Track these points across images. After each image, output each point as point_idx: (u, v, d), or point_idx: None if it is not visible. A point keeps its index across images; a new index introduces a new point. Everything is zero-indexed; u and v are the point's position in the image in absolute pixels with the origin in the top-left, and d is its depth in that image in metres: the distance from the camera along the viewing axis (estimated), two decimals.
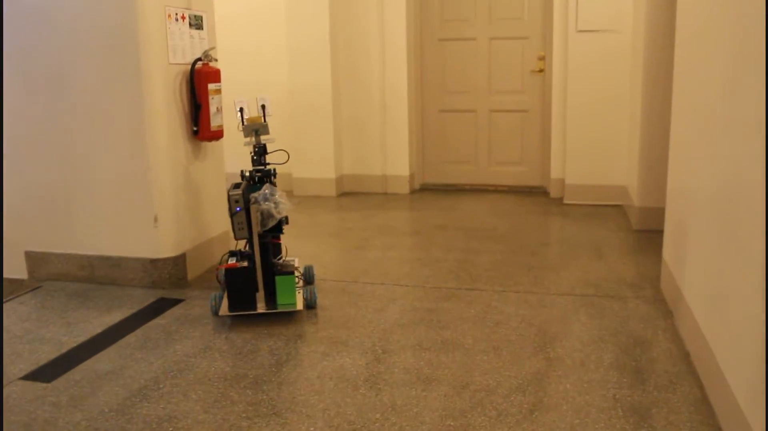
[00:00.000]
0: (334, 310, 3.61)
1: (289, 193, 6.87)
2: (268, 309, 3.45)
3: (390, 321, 3.47)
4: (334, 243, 5.14)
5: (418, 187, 6.96)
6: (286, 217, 3.51)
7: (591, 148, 5.95)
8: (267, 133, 3.61)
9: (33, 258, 4.29)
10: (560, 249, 4.82)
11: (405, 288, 4.00)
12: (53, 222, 4.20)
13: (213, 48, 4.28)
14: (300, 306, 3.49)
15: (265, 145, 3.62)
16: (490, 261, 4.46)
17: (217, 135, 4.25)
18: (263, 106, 3.82)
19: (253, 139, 3.56)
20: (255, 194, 3.35)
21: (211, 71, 4.13)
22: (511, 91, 6.57)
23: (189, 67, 4.10)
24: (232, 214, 3.36)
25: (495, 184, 6.77)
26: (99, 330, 3.47)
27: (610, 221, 5.44)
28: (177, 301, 3.87)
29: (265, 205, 3.34)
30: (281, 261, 3.73)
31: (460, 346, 3.15)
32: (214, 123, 4.18)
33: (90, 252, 4.17)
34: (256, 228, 3.35)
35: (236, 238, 3.46)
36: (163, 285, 4.11)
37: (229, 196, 3.39)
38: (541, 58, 6.38)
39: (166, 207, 4.08)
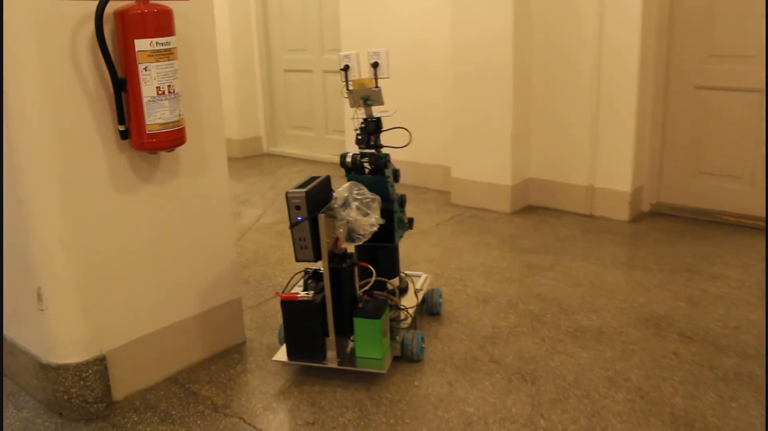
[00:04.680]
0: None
1: (443, 201, 4.58)
2: (343, 364, 2.42)
3: None
4: (458, 332, 2.82)
5: (647, 211, 4.21)
6: (410, 221, 2.76)
7: None
8: (380, 102, 2.62)
9: None
10: None
11: None
12: None
13: None
14: (386, 366, 2.41)
15: (378, 120, 2.64)
16: None
17: (169, 140, 2.16)
18: (375, 64, 2.64)
19: (362, 110, 2.62)
20: (334, 194, 2.40)
21: (146, 12, 2.05)
22: None
23: (97, 4, 2.04)
24: (292, 225, 2.31)
25: None
26: None
27: None
28: None
29: (347, 213, 2.36)
30: (400, 277, 2.78)
31: None
32: (154, 117, 2.09)
33: None
34: (327, 247, 2.32)
35: (297, 260, 2.37)
36: (62, 408, 2.26)
37: (287, 198, 2.30)
38: None
39: (61, 275, 2.18)
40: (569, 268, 3.39)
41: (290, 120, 6.37)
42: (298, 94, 6.19)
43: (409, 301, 2.74)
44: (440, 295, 2.94)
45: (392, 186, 2.65)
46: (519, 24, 4.05)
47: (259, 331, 2.85)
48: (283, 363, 2.54)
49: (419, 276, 2.96)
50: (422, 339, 2.55)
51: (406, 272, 2.92)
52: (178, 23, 2.26)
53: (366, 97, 2.60)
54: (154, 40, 2.06)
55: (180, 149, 2.38)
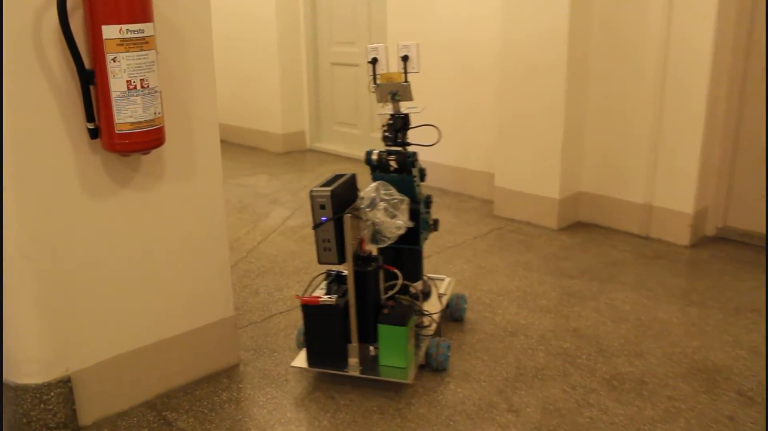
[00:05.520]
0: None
1: (485, 212, 4.23)
2: (365, 373, 2.27)
3: None
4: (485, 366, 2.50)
5: (712, 235, 3.75)
6: (435, 222, 2.61)
7: None
8: (409, 97, 2.46)
9: None
10: None
11: None
12: None
13: None
14: (411, 376, 2.26)
15: (406, 116, 2.49)
16: None
17: (142, 141, 1.90)
18: (405, 58, 2.44)
19: (389, 105, 2.48)
20: (361, 194, 2.29)
21: None
22: None
23: None
24: (315, 225, 2.19)
25: None
26: None
27: None
28: None
29: (373, 214, 2.23)
30: (423, 281, 2.66)
31: None
32: (124, 115, 1.83)
33: None
34: (351, 249, 2.18)
35: (320, 262, 2.24)
36: None
37: (311, 197, 2.18)
38: None
39: (19, 288, 1.98)
40: (615, 299, 2.99)
41: (335, 115, 6.09)
42: (344, 88, 5.90)
43: (433, 306, 2.62)
44: (465, 301, 2.80)
45: (418, 186, 2.51)
46: (576, 18, 3.64)
47: (256, 353, 2.58)
48: (302, 369, 2.41)
49: (442, 279, 2.86)
50: (448, 348, 2.42)
51: (429, 275, 2.79)
52: (165, 8, 1.99)
53: (394, 92, 2.45)
54: (125, 26, 1.79)
55: (165, 150, 2.11)
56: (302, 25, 6.03)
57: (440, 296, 2.68)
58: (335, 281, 2.34)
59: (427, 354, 2.38)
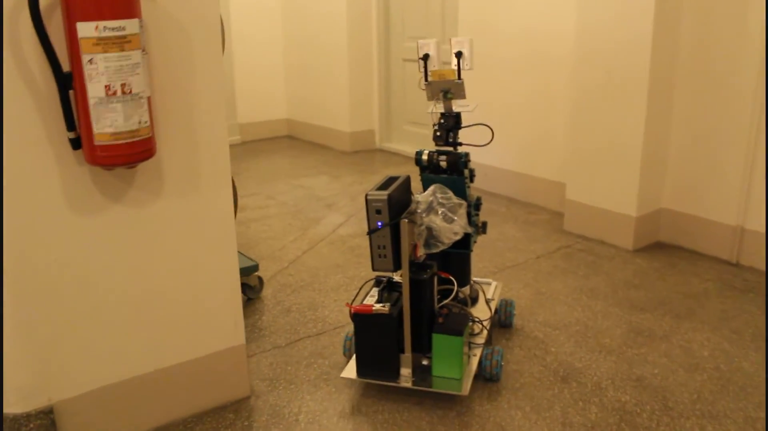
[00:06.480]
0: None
1: (555, 226, 3.85)
2: (417, 384, 2.17)
3: None
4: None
5: None
6: (484, 225, 2.52)
7: None
8: (462, 95, 2.37)
9: None
10: None
11: None
12: None
13: None
14: (466, 388, 2.14)
15: (457, 115, 2.41)
16: None
17: (125, 154, 1.68)
18: (459, 54, 2.36)
19: (440, 104, 2.38)
20: (417, 197, 2.20)
21: None
22: None
23: None
24: (371, 231, 2.08)
25: None
26: None
27: None
28: None
29: (430, 219, 2.15)
30: (468, 287, 2.56)
31: None
32: (103, 125, 1.62)
33: None
34: (407, 256, 2.10)
35: (374, 269, 2.13)
36: None
37: (367, 202, 2.07)
38: None
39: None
40: (691, 341, 2.57)
41: (406, 114, 5.81)
42: (417, 85, 5.60)
43: (482, 312, 2.53)
44: (513, 306, 2.70)
45: (469, 187, 2.44)
46: (662, 21, 3.19)
47: (272, 383, 2.34)
48: (350, 380, 2.33)
49: (489, 284, 2.76)
50: (502, 356, 2.31)
51: (475, 279, 2.73)
52: (170, 4, 1.77)
53: (446, 89, 2.36)
54: (101, 23, 1.56)
55: (163, 162, 1.90)
56: (374, 19, 5.77)
57: (488, 301, 2.58)
58: (386, 288, 2.26)
59: (480, 364, 2.29)
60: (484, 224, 2.55)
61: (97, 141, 1.65)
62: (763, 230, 3.16)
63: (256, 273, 2.98)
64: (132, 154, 1.69)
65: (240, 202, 4.48)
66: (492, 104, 4.39)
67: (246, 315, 2.84)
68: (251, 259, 2.96)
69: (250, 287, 2.97)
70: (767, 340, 2.56)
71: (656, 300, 2.93)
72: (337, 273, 3.28)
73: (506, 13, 4.21)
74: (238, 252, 3.02)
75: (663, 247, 3.54)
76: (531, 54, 4.11)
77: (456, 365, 2.17)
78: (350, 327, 2.71)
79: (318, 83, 6.17)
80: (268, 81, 6.50)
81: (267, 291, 3.07)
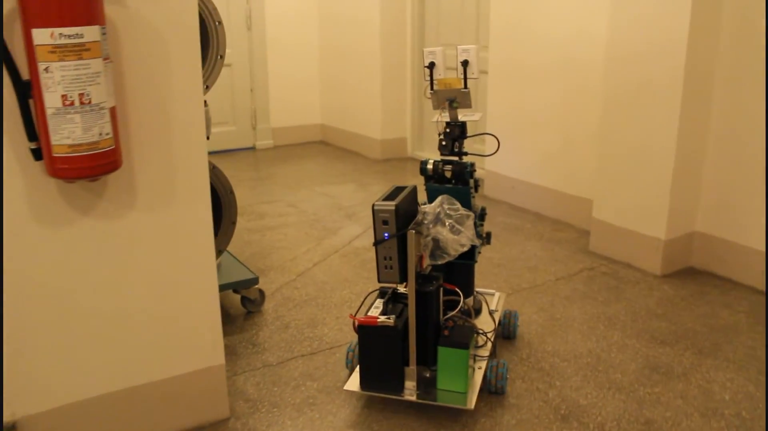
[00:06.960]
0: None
1: (580, 246, 3.66)
2: (422, 398, 2.12)
3: None
4: None
5: None
6: (488, 235, 2.48)
7: None
8: (468, 104, 2.35)
9: None
10: None
11: None
12: None
13: None
14: (472, 402, 2.09)
15: (463, 124, 2.38)
16: None
17: (85, 167, 1.60)
18: (465, 63, 2.33)
19: (446, 113, 2.37)
20: (424, 208, 2.18)
21: None
22: None
23: None
24: (377, 242, 2.06)
25: None
26: None
27: None
28: None
29: (437, 230, 2.13)
30: (472, 298, 2.51)
31: None
32: (60, 136, 1.55)
33: None
34: (413, 268, 2.07)
35: (380, 281, 2.10)
36: None
37: (374, 212, 2.04)
38: None
39: None
40: (712, 381, 2.36)
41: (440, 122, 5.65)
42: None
43: (486, 324, 2.49)
44: (517, 318, 2.68)
45: (473, 197, 2.41)
46: (698, 26, 2.98)
47: (255, 405, 2.23)
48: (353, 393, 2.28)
49: (492, 294, 2.72)
50: (507, 369, 2.30)
51: (478, 290, 2.68)
52: (144, 9, 1.69)
53: (452, 98, 2.35)
54: (57, 30, 1.48)
55: (136, 173, 1.82)
56: (408, 26, 5.65)
57: (491, 312, 2.55)
58: (391, 299, 2.22)
59: (484, 377, 2.25)
60: (488, 234, 2.51)
61: (55, 152, 1.57)
62: None
63: (257, 286, 2.88)
64: (94, 166, 1.61)
65: (260, 208, 4.41)
66: (520, 113, 4.22)
67: (243, 330, 2.75)
68: (252, 272, 2.86)
69: (250, 300, 2.88)
70: (767, 368, 2.33)
71: (679, 332, 2.72)
72: (344, 288, 3.17)
73: (537, 18, 4.04)
74: (240, 263, 2.94)
75: (694, 274, 3.31)
76: (561, 60, 3.92)
77: (461, 378, 2.13)
78: (346, 345, 2.59)
79: (351, 89, 6.08)
80: (302, 85, 6.44)
81: (269, 305, 2.97)
